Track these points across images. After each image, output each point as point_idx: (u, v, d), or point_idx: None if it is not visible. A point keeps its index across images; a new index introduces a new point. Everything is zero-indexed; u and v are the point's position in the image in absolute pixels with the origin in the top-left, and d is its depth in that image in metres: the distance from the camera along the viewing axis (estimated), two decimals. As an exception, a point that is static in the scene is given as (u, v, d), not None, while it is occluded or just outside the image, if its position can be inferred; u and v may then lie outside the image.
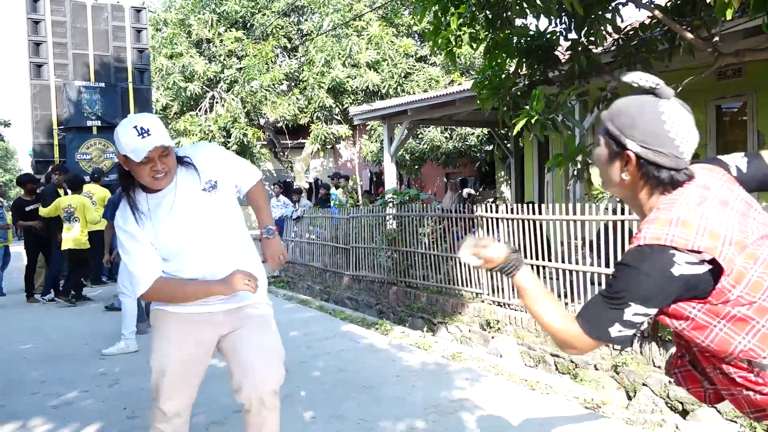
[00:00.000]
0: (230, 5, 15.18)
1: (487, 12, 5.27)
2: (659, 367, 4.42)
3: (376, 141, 14.79)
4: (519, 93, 5.62)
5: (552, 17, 5.43)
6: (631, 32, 5.67)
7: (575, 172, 5.15)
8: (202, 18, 15.39)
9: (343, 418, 3.53)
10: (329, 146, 16.22)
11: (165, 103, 15.10)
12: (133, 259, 2.10)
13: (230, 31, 15.33)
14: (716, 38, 4.69)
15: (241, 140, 14.39)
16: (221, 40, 15.22)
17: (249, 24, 15.91)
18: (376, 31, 14.00)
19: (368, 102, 13.60)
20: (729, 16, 3.94)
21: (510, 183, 15.07)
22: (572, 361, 5.03)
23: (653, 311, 1.29)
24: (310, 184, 17.43)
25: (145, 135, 1.96)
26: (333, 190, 12.35)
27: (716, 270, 1.23)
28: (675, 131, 1.31)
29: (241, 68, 15.08)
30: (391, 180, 10.96)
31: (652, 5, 5.09)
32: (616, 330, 1.30)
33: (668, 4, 5.21)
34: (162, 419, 2.25)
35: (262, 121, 16.57)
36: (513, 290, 5.92)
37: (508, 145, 12.81)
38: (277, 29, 15.42)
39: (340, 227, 8.94)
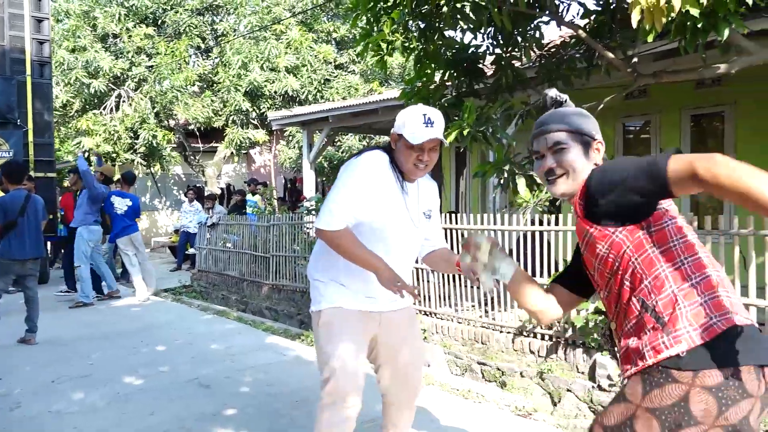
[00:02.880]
0: (140, 0, 14.46)
1: (420, 22, 5.30)
2: (583, 373, 4.56)
3: (295, 147, 14.55)
4: (448, 104, 5.69)
5: (481, 31, 5.54)
6: (553, 49, 5.90)
7: (501, 182, 5.24)
8: (109, 11, 14.53)
9: (279, 436, 3.37)
10: (243, 151, 15.77)
11: (65, 99, 14.09)
12: (346, 196, 2.13)
13: (140, 26, 14.57)
14: (635, 59, 4.95)
15: (150, 142, 13.67)
16: (130, 36, 14.44)
17: (160, 21, 15.20)
18: (295, 36, 13.80)
19: (286, 107, 13.36)
20: (651, 39, 4.18)
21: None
22: (498, 369, 5.10)
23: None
24: (222, 189, 16.86)
25: (429, 125, 2.11)
26: (250, 196, 11.99)
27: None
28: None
29: (151, 66, 14.36)
30: (310, 187, 10.79)
31: (574, 24, 5.31)
32: None
33: (587, 26, 5.45)
34: (342, 407, 2.20)
35: (172, 123, 15.85)
36: (440, 299, 5.94)
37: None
38: (191, 28, 14.84)
39: (259, 235, 8.66)
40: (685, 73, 4.70)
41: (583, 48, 5.64)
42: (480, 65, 5.91)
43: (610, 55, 4.92)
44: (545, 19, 5.55)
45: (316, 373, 2.36)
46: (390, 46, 5.58)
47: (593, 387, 4.43)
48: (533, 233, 5.38)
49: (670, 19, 3.83)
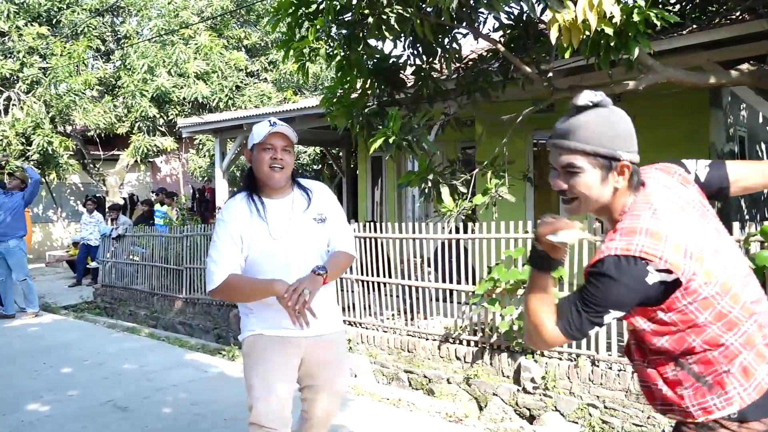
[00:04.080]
0: (33, -4, 13.46)
1: (344, 30, 5.28)
2: (508, 377, 4.69)
3: (205, 156, 14.04)
4: (370, 113, 5.70)
5: (402, 41, 5.61)
6: (470, 62, 6.07)
7: (426, 190, 5.30)
8: (-4, 8, 13.41)
9: (210, 458, 3.19)
10: (149, 160, 15.02)
11: (-56, 101, 12.84)
12: (218, 254, 2.20)
13: (32, 25, 13.53)
14: (550, 73, 5.18)
15: (44, 149, 12.70)
16: (20, 35, 13.37)
17: (55, 20, 14.22)
18: (205, 41, 13.34)
19: (196, 114, 12.88)
20: (568, 55, 4.40)
21: (341, 202, 15.28)
22: (425, 377, 5.14)
23: (624, 313, 1.38)
24: (124, 199, 15.96)
25: (274, 125, 2.25)
26: (158, 206, 11.43)
27: (676, 282, 1.31)
28: (632, 129, 1.42)
29: (45, 68, 13.38)
30: (222, 197, 10.44)
31: (491, 38, 5.49)
32: (593, 331, 1.40)
33: (501, 39, 5.65)
34: None
35: (69, 129, 14.83)
36: (364, 308, 5.91)
37: (341, 165, 12.97)
38: (90, 29, 13.97)
39: (171, 246, 8.27)
40: (599, 88, 4.96)
41: (500, 61, 5.85)
42: (401, 75, 5.99)
43: (527, 69, 5.13)
44: (463, 31, 5.70)
45: (242, 388, 2.32)
46: (313, 53, 5.53)
47: (518, 390, 4.56)
48: (450, 241, 5.49)
49: (585, 36, 4.07)
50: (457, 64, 6.00)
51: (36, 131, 12.76)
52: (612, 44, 4.14)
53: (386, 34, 5.00)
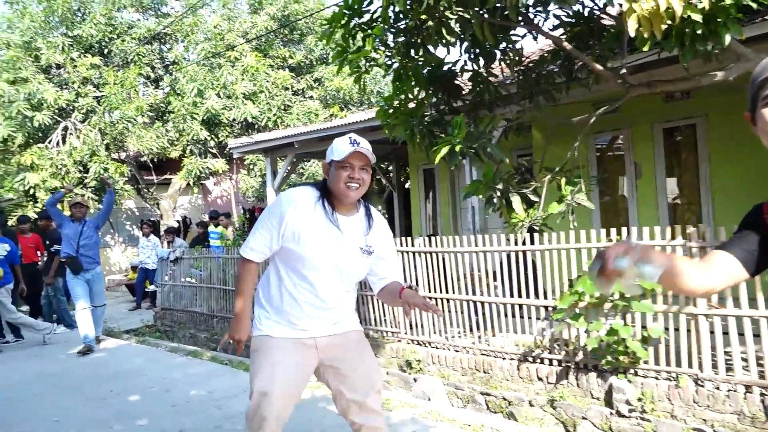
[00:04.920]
0: (85, 29, 13.83)
1: (401, 38, 5.08)
2: (598, 398, 4.33)
3: (257, 176, 14.08)
4: (431, 121, 5.48)
5: (458, 46, 5.39)
6: (531, 64, 5.77)
7: (494, 200, 5.02)
8: (52, 41, 13.83)
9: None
10: (201, 182, 15.18)
11: (5, 134, 13.24)
12: (258, 234, 2.32)
13: (85, 56, 13.92)
14: (623, 69, 4.85)
15: (101, 175, 12.96)
16: (75, 66, 13.75)
17: (107, 50, 14.59)
18: (251, 62, 13.43)
19: (245, 134, 12.94)
20: (647, 48, 4.07)
21: (385, 217, 15.07)
22: (504, 399, 4.82)
23: None
24: (178, 222, 16.17)
25: (355, 144, 2.24)
26: (212, 227, 11.46)
27: None
28: None
29: (98, 97, 13.70)
30: (276, 216, 10.36)
31: (554, 36, 5.20)
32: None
33: (564, 36, 5.34)
34: (257, 429, 2.30)
35: (122, 155, 15.14)
36: (434, 327, 5.64)
37: (391, 179, 12.77)
38: (140, 57, 14.28)
39: (228, 268, 8.19)
40: (680, 82, 4.61)
41: (562, 61, 5.55)
42: (455, 82, 5.75)
43: (598, 66, 4.82)
44: (523, 31, 5.44)
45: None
46: (369, 63, 5.35)
47: (611, 413, 4.19)
48: (518, 253, 5.18)
49: (666, 26, 3.74)
50: (516, 68, 5.73)
51: (92, 158, 13.05)
52: (699, 32, 3.81)
53: (447, 38, 4.78)
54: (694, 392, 3.84)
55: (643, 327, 4.19)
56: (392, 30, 5.04)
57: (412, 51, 5.17)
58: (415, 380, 5.43)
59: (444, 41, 4.90)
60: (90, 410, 4.62)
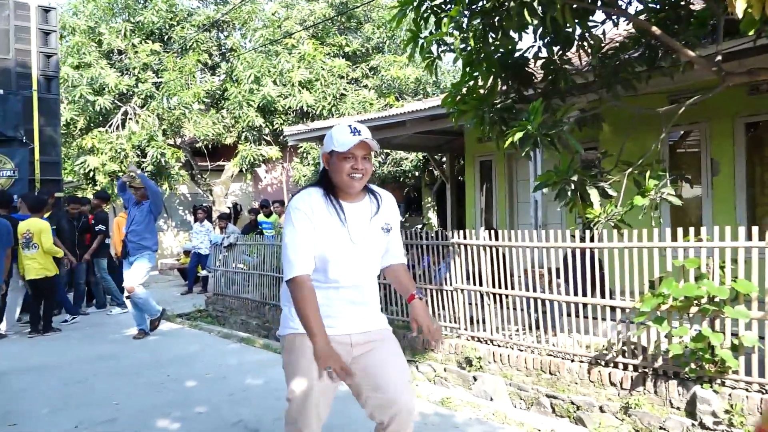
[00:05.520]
0: (147, 15, 14.04)
1: (479, 19, 4.83)
2: (678, 408, 4.02)
3: (309, 164, 14.05)
4: (504, 108, 5.22)
5: (535, 32, 5.13)
6: (610, 51, 5.44)
7: (569, 193, 4.73)
8: (114, 27, 14.11)
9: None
10: (253, 169, 15.27)
11: (69, 117, 13.59)
12: (294, 246, 2.18)
13: (146, 42, 14.14)
14: (719, 56, 4.49)
15: (158, 160, 13.16)
16: (136, 52, 13.99)
17: (167, 37, 14.78)
18: (308, 50, 13.37)
19: (300, 122, 12.90)
20: (752, 33, 3.72)
21: (435, 209, 14.81)
22: (572, 403, 4.56)
23: None
24: (229, 208, 16.34)
25: (356, 133, 2.19)
26: (261, 217, 11.46)
27: None
28: None
29: (158, 83, 13.90)
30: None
31: (642, 20, 4.87)
32: None
33: (651, 19, 5.00)
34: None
35: (178, 141, 15.36)
36: (501, 324, 5.40)
37: (445, 171, 12.53)
38: (198, 43, 14.42)
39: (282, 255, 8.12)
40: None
41: (645, 48, 5.22)
42: (528, 69, 5.48)
43: (691, 53, 4.46)
44: (602, 17, 5.12)
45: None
46: (442, 48, 5.13)
47: (693, 425, 3.89)
48: (583, 250, 4.89)
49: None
50: (592, 55, 5.41)
51: (150, 143, 13.26)
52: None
53: (529, 20, 4.51)
54: (793, 408, 3.51)
55: (733, 335, 3.87)
56: (467, 12, 4.80)
57: (491, 35, 4.92)
58: (474, 378, 5.21)
59: (524, 23, 4.64)
60: (150, 394, 4.58)
